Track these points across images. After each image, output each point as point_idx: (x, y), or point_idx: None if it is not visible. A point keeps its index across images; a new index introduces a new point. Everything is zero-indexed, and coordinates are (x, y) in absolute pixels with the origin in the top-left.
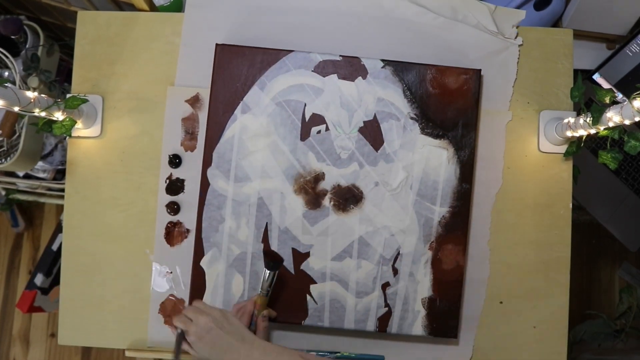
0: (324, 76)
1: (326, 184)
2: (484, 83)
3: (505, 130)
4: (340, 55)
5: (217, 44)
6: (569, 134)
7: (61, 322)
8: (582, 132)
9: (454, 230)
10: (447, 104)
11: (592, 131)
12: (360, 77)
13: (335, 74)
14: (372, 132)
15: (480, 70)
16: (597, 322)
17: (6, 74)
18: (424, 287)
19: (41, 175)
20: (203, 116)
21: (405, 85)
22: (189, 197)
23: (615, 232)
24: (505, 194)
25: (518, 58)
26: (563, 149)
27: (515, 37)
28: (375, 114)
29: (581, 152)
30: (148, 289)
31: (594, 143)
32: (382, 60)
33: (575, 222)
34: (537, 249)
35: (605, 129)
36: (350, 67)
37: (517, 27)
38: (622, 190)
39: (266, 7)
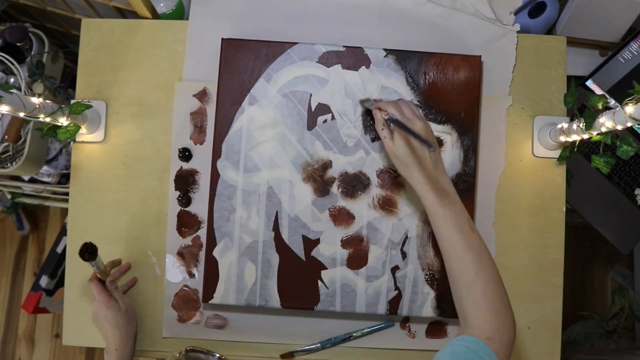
0: (328, 66)
1: (334, 172)
2: (484, 69)
3: (506, 114)
4: (343, 46)
5: (222, 39)
6: (562, 139)
7: (65, 323)
8: (575, 137)
9: None
10: (449, 90)
11: (585, 136)
12: (363, 67)
13: (339, 64)
14: None
15: (480, 56)
16: (590, 323)
17: (12, 80)
18: (433, 269)
19: (46, 179)
20: (211, 110)
21: (408, 73)
22: (199, 189)
23: (608, 235)
24: (500, 198)
25: (516, 43)
26: (557, 153)
27: (513, 24)
28: None
29: (574, 156)
30: (151, 290)
31: (587, 148)
32: (385, 50)
33: (568, 225)
34: (531, 252)
35: (598, 134)
36: (353, 57)
37: (514, 14)
38: (614, 194)
39: (270, 1)
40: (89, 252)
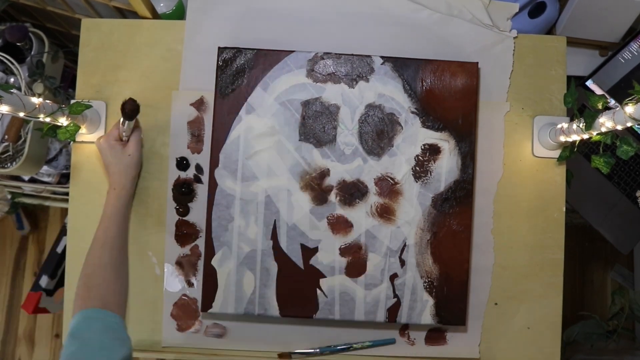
0: (324, 75)
1: (331, 180)
2: (481, 76)
3: (504, 120)
4: (340, 54)
5: (219, 47)
6: (562, 139)
7: (65, 323)
8: (575, 137)
9: (458, 220)
10: (446, 97)
11: (585, 136)
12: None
13: (336, 72)
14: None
15: (477, 63)
16: (590, 323)
17: (12, 80)
18: (432, 276)
19: (46, 179)
20: (208, 118)
21: (405, 80)
22: (198, 198)
23: (608, 235)
24: (500, 198)
25: (513, 50)
26: (557, 153)
27: (510, 30)
28: None
29: (574, 156)
30: (151, 290)
31: (586, 148)
32: (382, 57)
33: (568, 225)
34: (531, 252)
35: (598, 134)
36: (350, 65)
37: (510, 20)
38: (614, 194)
39: (266, 10)
40: (131, 109)
